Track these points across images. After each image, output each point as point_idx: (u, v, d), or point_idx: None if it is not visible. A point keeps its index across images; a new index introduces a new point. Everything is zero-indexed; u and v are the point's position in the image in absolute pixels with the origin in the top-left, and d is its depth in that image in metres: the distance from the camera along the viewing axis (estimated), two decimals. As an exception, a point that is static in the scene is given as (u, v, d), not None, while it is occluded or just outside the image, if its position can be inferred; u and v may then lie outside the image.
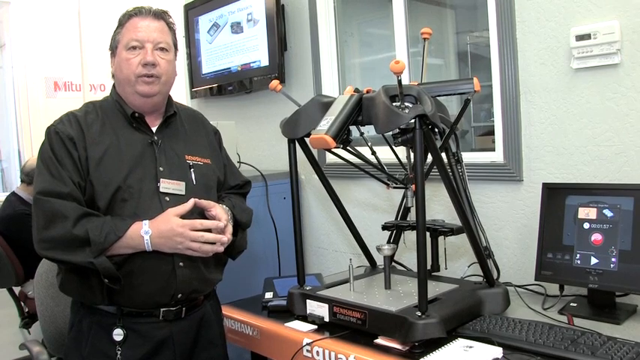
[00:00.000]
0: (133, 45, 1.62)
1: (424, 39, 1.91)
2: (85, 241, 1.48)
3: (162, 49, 1.65)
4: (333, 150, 1.76)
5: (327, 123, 1.59)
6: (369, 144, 1.83)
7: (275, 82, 1.83)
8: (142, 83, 1.63)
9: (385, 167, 1.86)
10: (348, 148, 1.77)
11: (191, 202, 1.58)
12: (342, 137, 1.61)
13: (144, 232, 1.52)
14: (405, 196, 1.90)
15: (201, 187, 1.69)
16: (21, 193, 3.61)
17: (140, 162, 1.62)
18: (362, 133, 1.81)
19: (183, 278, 1.61)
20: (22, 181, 3.70)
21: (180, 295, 1.62)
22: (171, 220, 1.54)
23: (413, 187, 1.82)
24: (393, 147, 1.82)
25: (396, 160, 1.91)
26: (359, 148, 1.86)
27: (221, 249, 1.61)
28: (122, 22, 1.67)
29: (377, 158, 1.84)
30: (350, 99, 1.65)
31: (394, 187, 1.88)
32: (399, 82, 1.51)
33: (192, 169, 1.70)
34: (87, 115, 1.65)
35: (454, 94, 1.82)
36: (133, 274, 1.55)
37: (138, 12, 1.66)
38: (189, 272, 1.63)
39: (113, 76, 1.71)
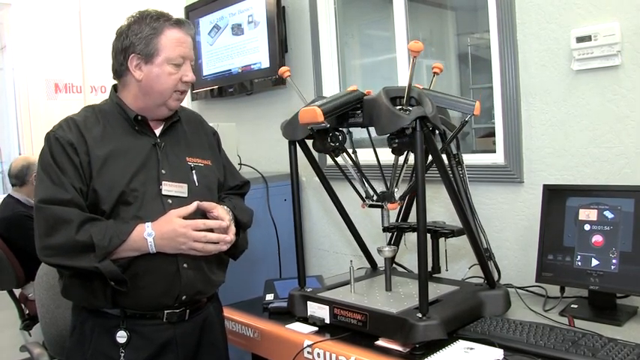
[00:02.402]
0: (178, 62, 1.62)
1: (434, 73, 1.90)
2: (89, 246, 1.48)
3: (192, 66, 1.68)
4: (330, 155, 1.77)
5: (321, 102, 1.61)
6: (356, 159, 1.82)
7: (284, 68, 1.85)
8: (175, 100, 1.65)
9: (367, 182, 1.82)
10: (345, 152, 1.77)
11: (194, 204, 1.59)
12: (332, 116, 1.61)
13: (147, 235, 1.52)
14: (382, 215, 1.83)
15: (203, 189, 1.69)
16: (17, 195, 3.58)
17: (143, 165, 1.62)
18: (355, 151, 1.83)
19: (187, 280, 1.61)
20: (13, 185, 3.67)
21: (184, 297, 1.62)
22: (174, 221, 1.54)
23: (389, 205, 1.77)
24: (378, 157, 1.82)
25: (389, 163, 1.87)
26: (361, 152, 1.86)
27: (224, 248, 1.62)
28: (158, 30, 1.60)
29: (360, 170, 1.81)
30: (350, 92, 1.67)
31: (369, 206, 1.82)
32: (414, 63, 1.51)
33: (193, 171, 1.70)
34: (86, 119, 1.64)
35: (453, 110, 1.82)
36: (137, 277, 1.55)
37: (179, 23, 1.64)
38: (193, 274, 1.63)
39: (139, 81, 1.61)
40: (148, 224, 1.54)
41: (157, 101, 1.64)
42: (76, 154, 1.56)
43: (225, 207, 1.70)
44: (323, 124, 1.59)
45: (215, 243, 1.58)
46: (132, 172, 1.59)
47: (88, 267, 1.49)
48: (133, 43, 1.60)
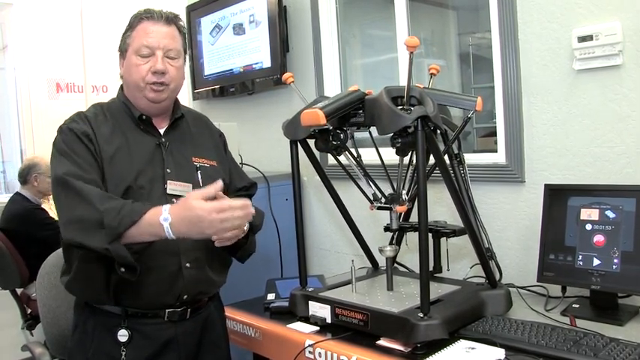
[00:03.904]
0: (143, 52, 1.61)
1: (431, 74, 1.89)
2: (101, 223, 1.41)
3: (172, 56, 1.65)
4: (332, 153, 1.76)
5: (323, 103, 1.61)
6: (362, 164, 1.82)
7: (287, 75, 1.85)
8: (151, 90, 1.62)
9: (374, 184, 1.82)
10: (347, 152, 1.77)
11: (212, 187, 1.47)
12: (334, 118, 1.61)
13: (163, 219, 1.42)
14: (390, 217, 1.84)
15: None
16: (25, 193, 3.69)
17: (149, 163, 1.62)
18: (357, 151, 1.83)
19: (189, 279, 1.61)
20: (21, 183, 3.77)
21: (185, 297, 1.63)
22: (194, 205, 1.42)
23: (398, 208, 1.78)
24: (382, 157, 1.82)
25: (391, 162, 1.88)
26: (363, 151, 1.86)
27: (242, 233, 1.58)
28: (133, 25, 1.65)
29: (366, 171, 1.80)
30: (352, 92, 1.67)
31: (378, 208, 1.82)
32: (411, 59, 1.51)
33: (198, 171, 1.70)
34: (96, 116, 1.65)
35: (456, 107, 1.82)
36: (139, 275, 1.55)
37: (150, 16, 1.64)
38: (195, 273, 1.63)
39: (121, 77, 1.71)
40: (166, 207, 1.44)
41: (136, 93, 1.65)
42: (92, 143, 1.56)
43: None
44: (325, 126, 1.59)
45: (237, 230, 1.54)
46: (138, 168, 1.59)
47: (98, 247, 1.42)
48: (119, 44, 1.69)
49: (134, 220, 1.42)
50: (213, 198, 1.48)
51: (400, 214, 2.05)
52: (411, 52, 1.49)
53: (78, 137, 1.56)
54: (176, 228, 1.42)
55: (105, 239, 1.41)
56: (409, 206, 1.84)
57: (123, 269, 1.45)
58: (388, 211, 1.82)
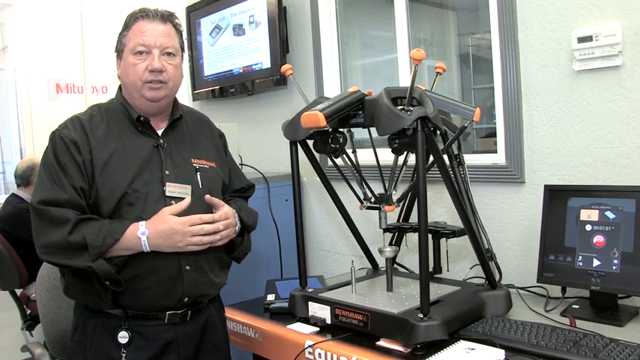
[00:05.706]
0: (139, 50, 1.61)
1: (437, 73, 1.89)
2: (83, 246, 1.48)
3: (169, 53, 1.64)
4: (329, 155, 1.76)
5: (323, 105, 1.61)
6: (356, 160, 1.82)
7: (287, 66, 1.85)
8: (149, 89, 1.61)
9: (366, 184, 1.82)
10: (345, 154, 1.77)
11: (187, 200, 1.59)
12: (334, 119, 1.61)
13: (140, 233, 1.52)
14: (379, 217, 1.84)
15: (207, 191, 1.68)
16: (20, 194, 3.68)
17: (146, 166, 1.61)
18: (355, 152, 1.83)
19: (190, 282, 1.61)
20: (18, 185, 3.76)
21: (186, 299, 1.62)
22: (168, 219, 1.54)
23: (387, 208, 1.77)
24: (377, 155, 1.82)
25: (390, 164, 1.87)
26: (363, 152, 1.85)
27: (219, 240, 1.61)
28: (128, 24, 1.65)
29: (359, 172, 1.80)
30: (352, 93, 1.67)
31: (367, 208, 1.83)
32: (415, 72, 1.51)
33: (198, 173, 1.70)
34: (92, 118, 1.64)
35: (453, 114, 1.82)
36: (139, 278, 1.55)
37: (145, 14, 1.64)
38: (195, 276, 1.62)
39: (119, 77, 1.70)
40: (142, 223, 1.54)
41: (134, 93, 1.64)
42: (79, 153, 1.56)
43: (232, 209, 1.70)
44: (325, 128, 1.59)
45: (212, 235, 1.59)
46: (133, 172, 1.59)
47: (82, 266, 1.49)
48: (115, 45, 1.69)
49: (116, 238, 1.50)
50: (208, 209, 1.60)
51: (400, 213, 2.06)
52: (416, 65, 1.49)
53: (67, 146, 1.56)
54: (152, 241, 1.53)
55: (88, 258, 1.48)
56: (398, 206, 1.84)
57: (108, 282, 1.51)
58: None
